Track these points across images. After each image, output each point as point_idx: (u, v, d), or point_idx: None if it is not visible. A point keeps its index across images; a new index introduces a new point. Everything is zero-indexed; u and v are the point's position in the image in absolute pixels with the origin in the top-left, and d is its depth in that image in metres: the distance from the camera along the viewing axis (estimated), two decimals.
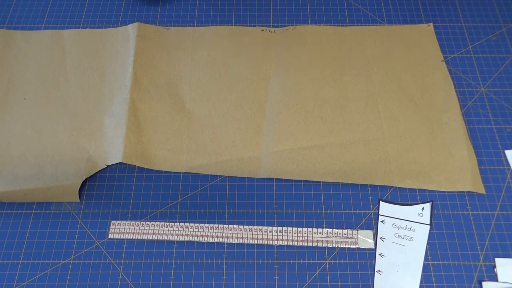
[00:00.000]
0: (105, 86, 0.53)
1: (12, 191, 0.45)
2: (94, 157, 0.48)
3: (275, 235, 0.44)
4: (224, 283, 0.42)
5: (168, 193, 0.47)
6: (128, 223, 0.45)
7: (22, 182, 0.46)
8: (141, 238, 0.44)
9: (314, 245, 0.44)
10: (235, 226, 0.45)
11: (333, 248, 0.44)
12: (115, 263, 0.43)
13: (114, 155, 0.48)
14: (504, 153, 0.49)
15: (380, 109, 0.51)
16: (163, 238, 0.44)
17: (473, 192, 0.46)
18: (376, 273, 0.42)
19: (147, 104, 0.51)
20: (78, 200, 0.46)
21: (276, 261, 0.43)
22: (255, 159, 0.48)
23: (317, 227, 0.45)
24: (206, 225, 0.45)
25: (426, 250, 0.43)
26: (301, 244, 0.44)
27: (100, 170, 0.48)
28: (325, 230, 0.45)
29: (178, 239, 0.44)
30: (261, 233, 0.44)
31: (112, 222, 0.45)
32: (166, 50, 0.55)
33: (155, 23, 0.58)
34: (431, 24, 0.58)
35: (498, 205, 0.46)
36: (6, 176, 0.47)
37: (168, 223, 0.45)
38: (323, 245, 0.44)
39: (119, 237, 0.44)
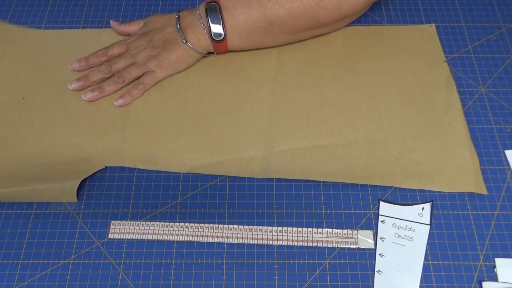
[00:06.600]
0: None
1: (10, 191, 0.45)
2: (94, 158, 0.48)
3: (275, 235, 0.44)
4: (224, 283, 0.42)
5: (168, 193, 0.47)
6: (128, 223, 0.45)
7: (21, 182, 0.46)
8: (141, 238, 0.44)
9: (314, 245, 0.44)
10: (235, 226, 0.45)
11: (333, 248, 0.44)
12: (115, 263, 0.43)
13: (114, 155, 0.47)
14: (504, 153, 0.49)
15: (382, 110, 0.51)
16: (163, 238, 0.44)
17: (473, 192, 0.46)
18: (376, 273, 0.42)
19: (147, 104, 0.51)
20: (76, 200, 0.46)
21: (276, 261, 0.43)
22: (257, 159, 0.48)
23: (317, 227, 0.45)
24: (206, 225, 0.45)
25: (426, 250, 0.43)
26: (301, 244, 0.44)
27: (100, 170, 0.48)
28: (325, 230, 0.45)
29: (178, 239, 0.44)
30: (261, 233, 0.44)
31: (112, 222, 0.45)
32: None
33: None
34: (433, 24, 0.58)
35: (498, 205, 0.46)
36: (5, 176, 0.46)
37: (168, 223, 0.45)
38: (323, 245, 0.44)
39: (119, 237, 0.44)
